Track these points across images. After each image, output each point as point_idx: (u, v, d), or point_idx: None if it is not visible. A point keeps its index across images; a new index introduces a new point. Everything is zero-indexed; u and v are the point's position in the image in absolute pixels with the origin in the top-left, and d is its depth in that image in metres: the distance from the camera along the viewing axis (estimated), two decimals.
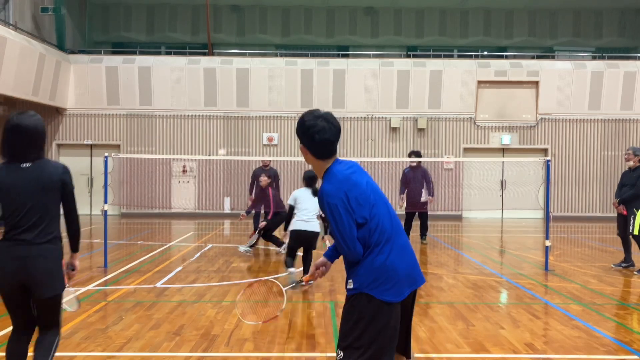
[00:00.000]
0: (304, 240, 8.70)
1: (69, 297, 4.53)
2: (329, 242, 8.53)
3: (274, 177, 12.98)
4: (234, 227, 17.81)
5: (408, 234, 13.72)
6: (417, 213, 13.38)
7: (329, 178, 3.48)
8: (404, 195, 13.43)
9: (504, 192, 20.89)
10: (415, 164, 13.32)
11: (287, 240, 9.01)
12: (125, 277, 9.21)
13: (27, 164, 3.96)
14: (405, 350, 3.64)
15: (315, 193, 8.69)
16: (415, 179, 13.30)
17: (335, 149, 3.54)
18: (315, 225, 8.70)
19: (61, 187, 4.02)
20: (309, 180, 8.95)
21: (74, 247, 4.23)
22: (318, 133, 3.46)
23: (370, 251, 3.41)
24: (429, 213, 13.74)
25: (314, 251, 8.88)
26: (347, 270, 3.52)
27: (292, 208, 8.75)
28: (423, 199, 13.23)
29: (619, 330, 6.55)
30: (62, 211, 4.14)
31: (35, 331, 4.17)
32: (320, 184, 3.62)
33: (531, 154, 20.80)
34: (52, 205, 3.99)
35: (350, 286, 3.45)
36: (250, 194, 13.49)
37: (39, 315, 4.06)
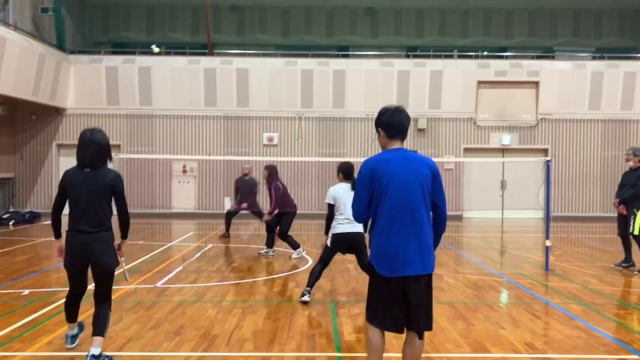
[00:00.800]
0: (348, 243, 7.62)
1: (124, 268, 5.77)
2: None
3: (252, 187, 13.57)
4: (234, 228, 17.80)
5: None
6: None
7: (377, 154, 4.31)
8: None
9: (504, 192, 20.89)
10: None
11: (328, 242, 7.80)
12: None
13: (88, 170, 5.05)
14: (417, 328, 4.24)
15: (354, 187, 7.63)
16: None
17: (402, 134, 4.33)
18: (358, 225, 7.49)
19: (111, 190, 5.07)
20: (346, 173, 7.74)
21: (123, 235, 5.38)
22: (391, 116, 4.33)
23: (375, 231, 4.22)
24: None
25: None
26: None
27: (331, 207, 7.63)
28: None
29: (619, 330, 6.55)
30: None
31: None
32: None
33: (531, 154, 20.80)
34: (104, 203, 5.06)
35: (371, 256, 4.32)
36: (235, 199, 14.11)
37: (97, 287, 5.20)
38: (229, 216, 14.47)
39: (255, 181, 14.10)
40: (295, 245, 11.29)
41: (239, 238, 14.70)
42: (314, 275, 7.70)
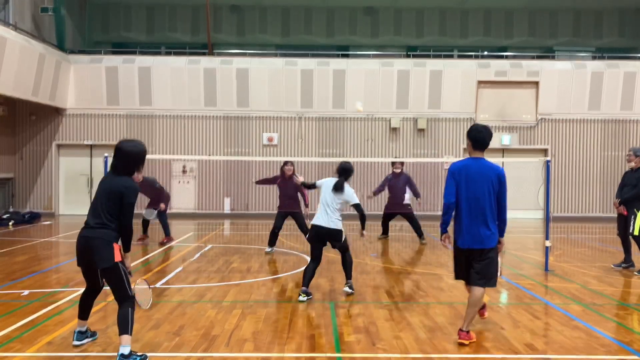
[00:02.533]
0: (324, 236, 8.02)
1: (141, 294, 5.63)
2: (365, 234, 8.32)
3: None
4: (234, 228, 17.80)
5: (386, 232, 14.43)
6: (401, 215, 14.11)
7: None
8: (374, 195, 14.26)
9: None
10: (398, 170, 14.00)
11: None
12: None
13: (111, 176, 5.43)
14: (476, 283, 5.98)
15: (337, 187, 7.99)
16: (396, 186, 13.97)
17: (483, 147, 5.94)
18: (332, 222, 7.93)
19: (120, 197, 5.29)
20: (340, 172, 8.16)
21: (124, 248, 5.39)
22: (479, 133, 5.91)
23: (456, 215, 5.94)
24: (420, 213, 14.72)
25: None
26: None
27: (313, 186, 8.43)
28: (406, 201, 13.90)
29: (619, 330, 6.55)
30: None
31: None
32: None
33: (531, 154, 20.81)
34: (112, 207, 5.29)
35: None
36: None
37: (110, 288, 5.36)
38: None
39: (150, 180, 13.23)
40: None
41: (239, 237, 14.68)
42: (308, 274, 7.92)
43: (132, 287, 5.56)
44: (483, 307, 6.72)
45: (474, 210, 5.80)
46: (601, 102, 20.91)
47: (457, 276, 6.20)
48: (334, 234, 8.00)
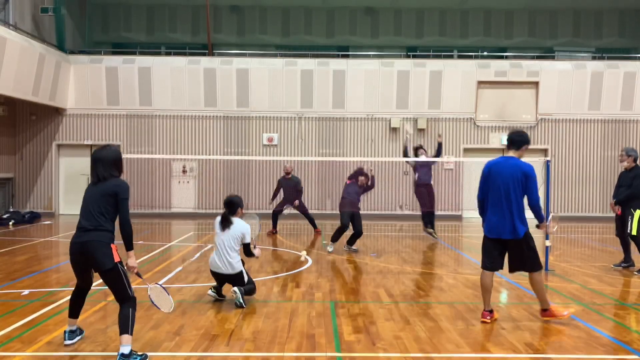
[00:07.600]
0: (222, 280, 7.58)
1: (160, 299, 5.75)
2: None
3: (296, 184, 15.25)
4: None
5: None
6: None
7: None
8: (275, 200, 15.60)
9: None
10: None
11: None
12: None
13: (99, 183, 5.40)
14: (523, 269, 6.88)
15: (225, 223, 7.45)
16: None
17: (509, 147, 6.88)
18: (225, 266, 7.35)
19: (114, 196, 5.32)
20: (225, 205, 7.65)
21: (126, 247, 5.39)
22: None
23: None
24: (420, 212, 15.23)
25: None
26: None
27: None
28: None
29: (619, 330, 6.56)
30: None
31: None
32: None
33: (531, 154, 20.68)
34: (107, 207, 5.32)
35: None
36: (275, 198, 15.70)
37: (110, 289, 5.39)
38: (276, 215, 15.34)
39: (298, 179, 15.59)
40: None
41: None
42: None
43: (148, 293, 5.75)
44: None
45: (496, 204, 6.89)
46: (601, 102, 20.91)
47: (487, 266, 6.78)
48: (234, 278, 7.42)
